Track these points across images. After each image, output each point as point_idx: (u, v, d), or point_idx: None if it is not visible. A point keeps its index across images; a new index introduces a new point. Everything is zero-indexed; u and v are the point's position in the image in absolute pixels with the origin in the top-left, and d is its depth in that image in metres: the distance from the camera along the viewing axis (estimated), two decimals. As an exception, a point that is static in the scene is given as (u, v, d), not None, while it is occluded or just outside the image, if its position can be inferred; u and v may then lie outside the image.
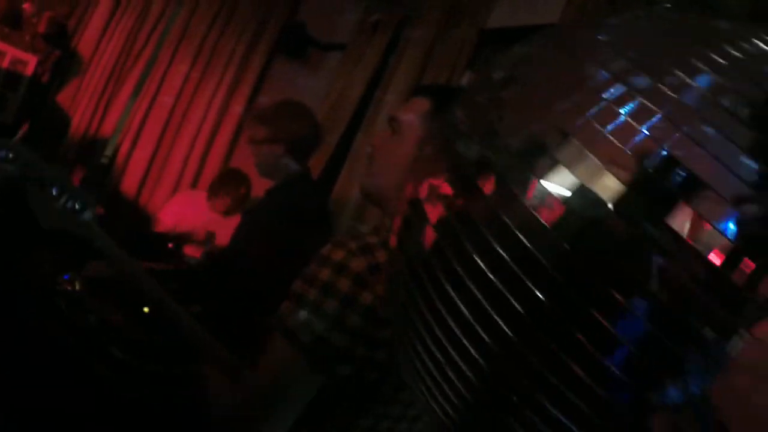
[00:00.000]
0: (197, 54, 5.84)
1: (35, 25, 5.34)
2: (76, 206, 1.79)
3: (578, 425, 0.97)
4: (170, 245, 4.71)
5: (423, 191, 1.27)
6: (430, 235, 1.17)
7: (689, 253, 0.93)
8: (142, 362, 2.65)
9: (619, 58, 1.08)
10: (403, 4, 5.20)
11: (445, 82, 4.35)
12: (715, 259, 0.91)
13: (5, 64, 5.24)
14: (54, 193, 1.76)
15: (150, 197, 5.80)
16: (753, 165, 0.96)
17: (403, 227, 1.30)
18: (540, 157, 1.03)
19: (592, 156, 0.98)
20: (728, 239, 0.92)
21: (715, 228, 0.91)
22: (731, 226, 0.94)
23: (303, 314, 1.44)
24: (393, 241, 1.34)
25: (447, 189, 1.24)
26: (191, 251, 4.64)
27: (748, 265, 0.93)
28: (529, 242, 0.94)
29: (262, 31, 6.01)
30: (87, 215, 1.81)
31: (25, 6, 5.32)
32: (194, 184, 5.79)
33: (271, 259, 3.05)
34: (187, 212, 4.98)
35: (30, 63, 5.33)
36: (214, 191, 4.99)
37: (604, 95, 1.05)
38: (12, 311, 2.79)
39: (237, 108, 5.96)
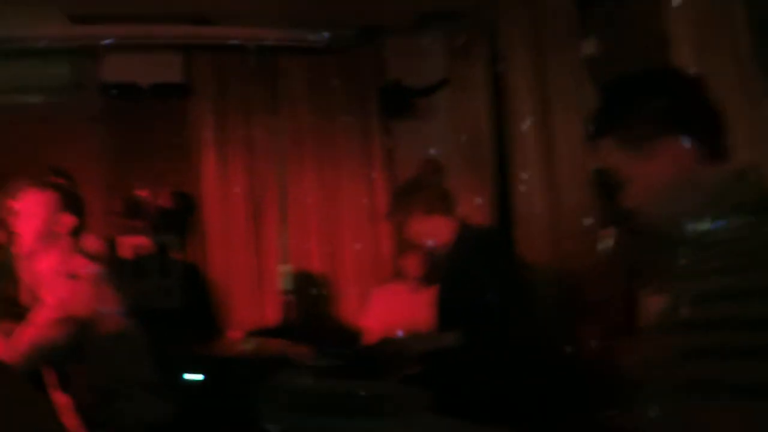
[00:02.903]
0: (321, 165, 5.82)
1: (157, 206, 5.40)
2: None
3: None
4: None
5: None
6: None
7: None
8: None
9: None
10: (471, 15, 5.15)
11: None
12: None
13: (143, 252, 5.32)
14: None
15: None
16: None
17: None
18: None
19: None
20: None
21: None
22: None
23: None
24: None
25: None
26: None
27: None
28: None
29: (368, 116, 5.93)
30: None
31: (140, 191, 5.38)
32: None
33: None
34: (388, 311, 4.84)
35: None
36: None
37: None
38: None
39: (383, 197, 5.80)
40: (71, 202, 2.85)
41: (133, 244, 5.33)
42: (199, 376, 4.30)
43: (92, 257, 2.83)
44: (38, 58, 5.54)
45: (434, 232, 3.55)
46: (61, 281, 2.66)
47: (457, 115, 5.42)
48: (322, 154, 5.82)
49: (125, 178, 5.53)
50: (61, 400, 2.76)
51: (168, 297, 5.30)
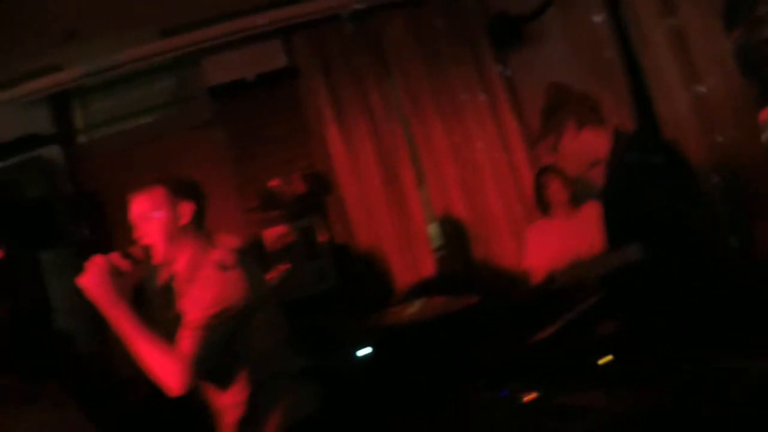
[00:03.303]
0: (445, 115, 5.64)
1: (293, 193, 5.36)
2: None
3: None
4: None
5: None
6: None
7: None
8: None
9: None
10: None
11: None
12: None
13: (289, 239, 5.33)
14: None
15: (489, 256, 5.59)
16: None
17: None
18: None
19: None
20: None
21: None
22: None
23: None
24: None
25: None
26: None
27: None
28: None
29: (481, 55, 5.71)
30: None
31: (273, 183, 5.34)
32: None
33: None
34: (547, 246, 4.65)
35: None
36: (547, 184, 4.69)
37: None
38: None
39: (515, 133, 5.66)
40: (182, 188, 2.72)
41: (277, 234, 5.31)
42: (369, 350, 4.22)
43: (230, 248, 2.69)
44: (142, 78, 5.62)
45: (590, 145, 3.29)
46: (206, 273, 2.53)
47: (572, 31, 5.11)
48: (443, 103, 5.64)
49: (254, 173, 5.51)
50: (230, 412, 2.68)
51: (322, 279, 5.26)
